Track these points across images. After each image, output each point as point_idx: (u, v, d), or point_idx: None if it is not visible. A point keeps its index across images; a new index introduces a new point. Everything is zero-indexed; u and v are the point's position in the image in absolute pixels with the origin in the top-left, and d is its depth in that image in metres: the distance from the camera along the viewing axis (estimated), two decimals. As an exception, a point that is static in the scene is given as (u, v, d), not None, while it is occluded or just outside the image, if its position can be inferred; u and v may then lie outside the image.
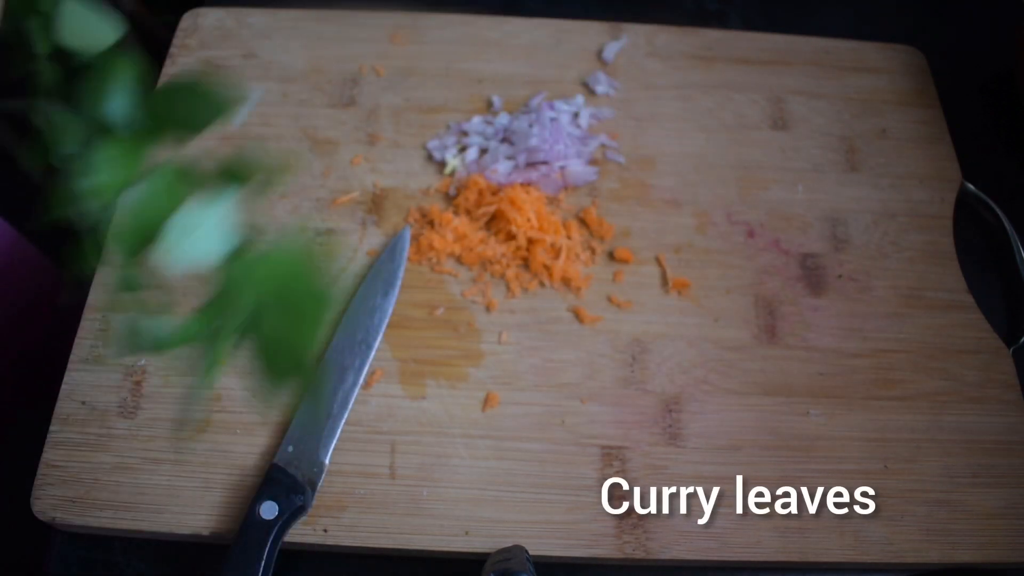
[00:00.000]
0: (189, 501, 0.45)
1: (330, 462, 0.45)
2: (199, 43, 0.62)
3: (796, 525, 0.46)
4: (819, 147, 0.60)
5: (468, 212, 0.55)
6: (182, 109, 0.30)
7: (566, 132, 0.57)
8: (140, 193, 0.29)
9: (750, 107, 0.62)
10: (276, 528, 0.42)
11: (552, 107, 0.59)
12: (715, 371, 0.50)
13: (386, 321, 0.50)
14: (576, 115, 0.60)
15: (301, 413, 0.46)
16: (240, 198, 0.30)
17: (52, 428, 0.46)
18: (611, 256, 0.54)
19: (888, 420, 0.49)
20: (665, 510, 0.46)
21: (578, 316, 0.52)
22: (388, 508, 0.45)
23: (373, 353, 0.49)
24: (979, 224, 0.59)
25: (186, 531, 0.44)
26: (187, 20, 0.63)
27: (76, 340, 0.49)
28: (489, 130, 0.59)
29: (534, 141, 0.56)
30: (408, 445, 0.47)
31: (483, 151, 0.58)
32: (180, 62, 0.61)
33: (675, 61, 0.63)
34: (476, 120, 0.59)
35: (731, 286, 0.54)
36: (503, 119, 0.59)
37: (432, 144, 0.58)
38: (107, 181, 0.29)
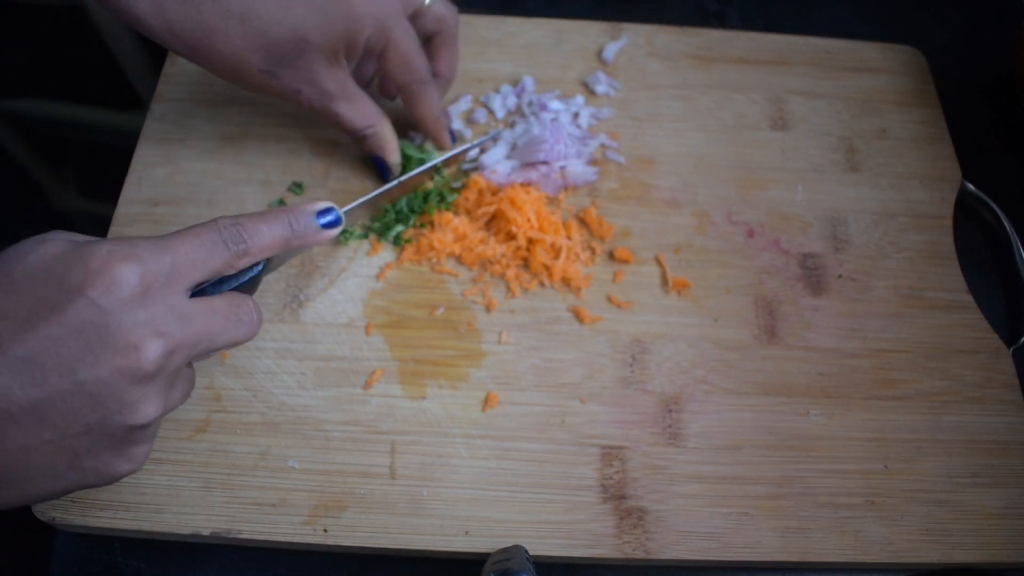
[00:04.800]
0: (189, 501, 0.45)
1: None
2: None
3: (796, 525, 0.46)
4: (819, 147, 0.60)
5: (468, 212, 0.55)
6: None
7: (566, 132, 0.57)
8: None
9: (750, 107, 0.62)
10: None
11: (544, 106, 0.59)
12: (715, 371, 0.50)
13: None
14: (576, 115, 0.60)
15: None
16: None
17: (52, 428, 0.46)
18: (611, 256, 0.54)
19: (888, 420, 0.49)
20: (665, 510, 0.46)
21: (578, 316, 0.52)
22: (388, 508, 0.45)
23: None
24: (979, 224, 0.59)
25: (186, 531, 0.44)
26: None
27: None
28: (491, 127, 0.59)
29: (534, 140, 0.56)
30: (408, 445, 0.47)
31: (483, 150, 0.58)
32: (180, 62, 0.61)
33: (675, 61, 0.63)
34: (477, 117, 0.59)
35: (731, 286, 0.54)
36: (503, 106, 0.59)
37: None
38: None
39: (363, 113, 0.50)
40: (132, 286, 0.32)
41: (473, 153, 0.57)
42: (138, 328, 0.32)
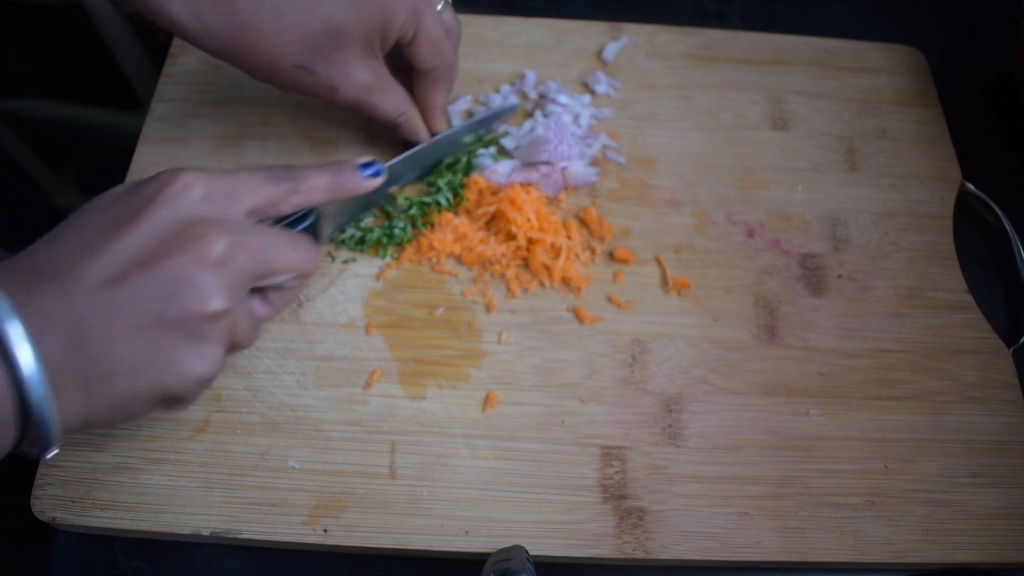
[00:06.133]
0: (189, 501, 0.45)
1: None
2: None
3: (796, 525, 0.46)
4: (819, 147, 0.60)
5: (468, 212, 0.55)
6: None
7: (569, 132, 0.57)
8: None
9: (750, 107, 0.62)
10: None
11: (554, 99, 0.59)
12: (715, 371, 0.50)
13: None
14: (577, 116, 0.60)
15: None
16: None
17: (52, 428, 0.46)
18: (611, 256, 0.54)
19: (888, 420, 0.49)
20: (665, 510, 0.46)
21: (578, 316, 0.52)
22: (388, 508, 0.45)
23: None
24: (979, 224, 0.59)
25: (186, 531, 0.44)
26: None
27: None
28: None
29: (537, 140, 0.56)
30: (408, 445, 0.47)
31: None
32: (180, 62, 0.61)
33: (675, 61, 0.63)
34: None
35: (731, 286, 0.54)
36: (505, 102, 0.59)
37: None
38: None
39: (396, 101, 0.51)
40: (200, 192, 0.38)
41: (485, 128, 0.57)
42: (205, 223, 0.37)
